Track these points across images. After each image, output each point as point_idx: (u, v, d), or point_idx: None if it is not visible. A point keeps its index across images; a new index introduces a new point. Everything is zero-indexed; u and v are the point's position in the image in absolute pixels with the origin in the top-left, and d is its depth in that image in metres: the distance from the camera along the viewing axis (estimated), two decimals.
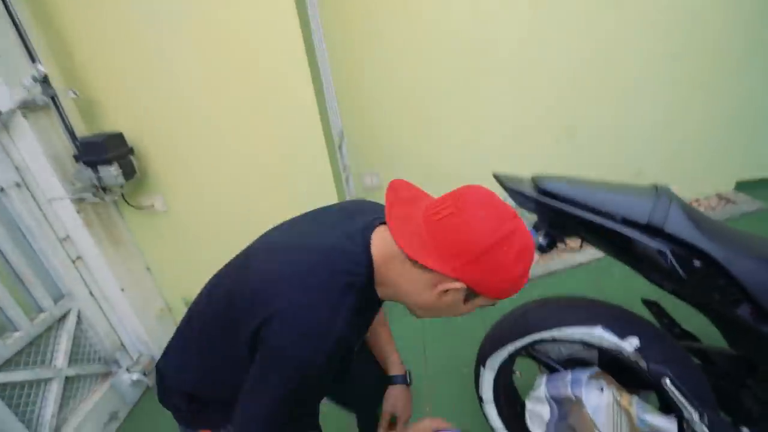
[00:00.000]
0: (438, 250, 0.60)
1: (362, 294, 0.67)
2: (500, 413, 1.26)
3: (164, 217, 1.91)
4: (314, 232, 0.75)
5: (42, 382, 1.60)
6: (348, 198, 2.63)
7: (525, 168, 1.44)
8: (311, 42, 1.78)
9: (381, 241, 0.68)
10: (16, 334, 1.52)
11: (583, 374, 1.06)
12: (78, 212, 1.72)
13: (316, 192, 1.87)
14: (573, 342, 1.07)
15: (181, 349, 0.84)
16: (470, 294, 0.63)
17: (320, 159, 1.82)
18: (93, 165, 1.58)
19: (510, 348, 1.15)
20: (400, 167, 2.78)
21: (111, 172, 1.58)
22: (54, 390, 1.62)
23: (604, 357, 1.12)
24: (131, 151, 1.68)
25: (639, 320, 1.01)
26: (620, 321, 1.00)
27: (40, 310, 1.64)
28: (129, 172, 1.65)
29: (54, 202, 1.68)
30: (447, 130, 2.68)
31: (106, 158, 1.56)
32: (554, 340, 1.08)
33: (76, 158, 1.61)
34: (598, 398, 1.00)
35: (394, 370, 1.11)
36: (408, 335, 2.06)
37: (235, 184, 1.85)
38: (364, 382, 1.09)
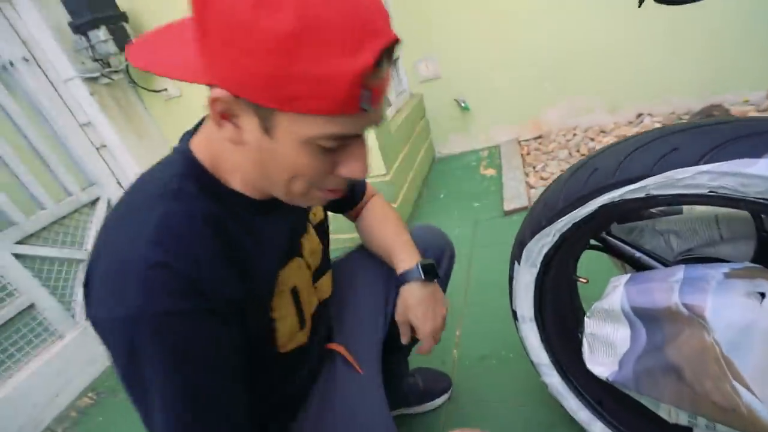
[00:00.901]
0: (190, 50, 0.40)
1: (192, 201, 0.45)
2: (545, 339, 0.78)
3: (179, 102, 1.74)
4: None
5: (73, 262, 1.63)
6: (393, 93, 2.16)
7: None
8: None
9: (202, 132, 0.50)
10: (41, 212, 1.53)
11: (714, 270, 0.51)
12: (92, 95, 1.63)
13: None
14: (696, 206, 0.51)
15: None
16: (247, 107, 0.39)
17: None
18: (82, 31, 1.42)
19: (564, 222, 0.64)
20: (460, 53, 2.18)
21: (99, 37, 1.40)
22: (84, 271, 1.65)
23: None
24: (123, 16, 1.47)
25: None
26: None
27: (68, 193, 1.64)
28: (121, 39, 1.45)
29: (69, 83, 1.61)
30: (511, 7, 2.00)
31: (91, 20, 1.37)
32: (651, 202, 0.54)
33: (70, 27, 1.47)
34: (750, 312, 0.45)
35: (402, 265, 0.72)
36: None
37: None
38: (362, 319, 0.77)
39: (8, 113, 1.46)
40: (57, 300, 1.56)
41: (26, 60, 1.51)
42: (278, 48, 0.34)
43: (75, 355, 1.56)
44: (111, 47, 1.43)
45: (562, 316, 0.77)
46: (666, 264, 0.64)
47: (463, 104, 2.34)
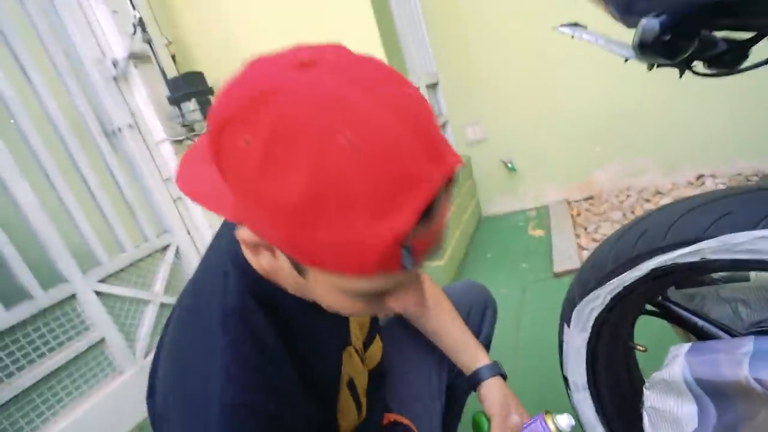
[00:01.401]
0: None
1: (256, 320, 0.43)
2: (600, 411, 0.73)
3: None
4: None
5: (141, 302, 1.78)
6: None
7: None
8: None
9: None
10: (122, 255, 1.72)
11: None
12: (176, 154, 1.88)
13: None
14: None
15: None
16: (287, 258, 0.36)
17: None
18: (177, 103, 1.69)
19: (614, 284, 0.63)
20: (505, 116, 2.28)
21: (189, 108, 1.65)
22: (150, 311, 1.79)
23: None
24: (210, 90, 1.74)
25: None
26: None
27: (145, 239, 1.84)
28: (206, 109, 1.71)
29: (160, 145, 1.88)
30: (555, 71, 2.08)
31: (184, 94, 1.63)
32: (709, 267, 0.53)
33: (168, 99, 1.76)
34: None
35: (479, 361, 0.71)
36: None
37: None
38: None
39: (110, 168, 1.73)
40: (124, 337, 1.69)
41: (131, 126, 1.80)
42: (289, 218, 0.29)
43: (131, 390, 1.65)
44: (197, 116, 1.68)
45: (618, 386, 0.72)
46: (733, 335, 0.60)
47: (509, 165, 2.39)
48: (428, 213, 0.30)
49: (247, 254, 0.43)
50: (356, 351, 0.60)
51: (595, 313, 0.67)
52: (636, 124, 2.05)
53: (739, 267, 0.52)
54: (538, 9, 1.98)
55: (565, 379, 0.76)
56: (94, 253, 1.64)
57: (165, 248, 1.91)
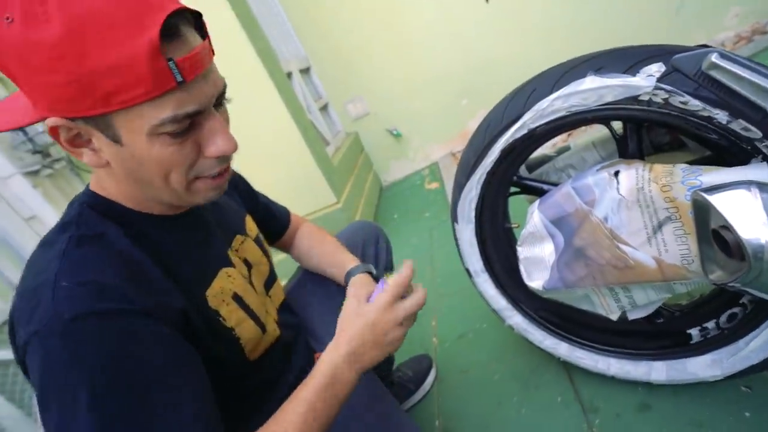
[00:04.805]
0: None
1: (96, 225, 0.46)
2: (498, 285, 0.88)
3: None
4: None
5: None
6: (329, 133, 2.35)
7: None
8: None
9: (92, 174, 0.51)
10: None
11: (590, 170, 0.65)
12: (34, 187, 1.64)
13: (277, 129, 1.61)
14: (554, 126, 0.66)
15: None
16: (86, 125, 0.41)
17: (266, 92, 1.57)
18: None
19: (479, 173, 0.76)
20: (381, 88, 2.44)
21: (37, 129, 1.45)
22: None
23: (627, 143, 0.69)
24: None
25: (650, 48, 0.58)
26: (621, 56, 0.58)
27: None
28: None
29: (8, 181, 1.61)
30: (415, 37, 2.30)
31: None
32: (536, 136, 0.69)
33: None
34: (613, 188, 0.59)
35: (349, 264, 0.75)
36: (415, 253, 1.71)
37: None
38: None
39: None
40: (16, 406, 1.44)
41: None
42: (61, 53, 0.35)
43: None
44: (49, 137, 1.48)
45: (507, 261, 0.88)
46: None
47: (394, 132, 2.57)
48: (175, 32, 0.39)
49: (93, 180, 0.49)
50: (243, 276, 0.62)
51: (473, 204, 0.81)
52: (491, 73, 2.36)
53: (556, 130, 0.68)
54: None
55: (467, 271, 0.90)
56: None
57: None
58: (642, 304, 0.67)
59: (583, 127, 1.82)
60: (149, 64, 0.36)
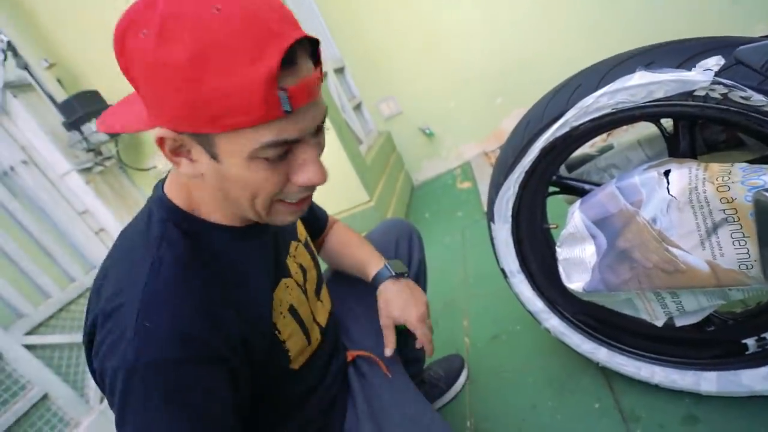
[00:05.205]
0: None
1: (177, 247, 0.48)
2: (535, 287, 0.86)
3: None
4: None
5: (82, 346, 1.65)
6: (362, 132, 2.37)
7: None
8: None
9: (171, 177, 0.53)
10: (49, 301, 1.58)
11: (637, 169, 0.63)
12: (87, 183, 1.75)
13: None
14: (601, 124, 0.64)
15: None
16: (191, 140, 0.43)
17: None
18: (76, 127, 1.58)
19: (517, 172, 0.75)
20: (414, 87, 2.43)
21: (91, 129, 1.55)
22: None
23: (678, 141, 0.66)
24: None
25: (707, 40, 0.55)
26: (674, 50, 0.56)
27: (71, 279, 1.70)
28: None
29: (66, 177, 1.73)
30: (448, 36, 2.28)
31: (82, 115, 1.53)
32: (577, 134, 0.67)
33: (64, 125, 1.63)
34: (662, 188, 0.56)
35: (371, 271, 0.76)
36: (446, 252, 1.70)
37: None
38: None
39: (11, 212, 1.57)
40: (70, 387, 1.55)
41: (25, 163, 1.64)
42: (185, 75, 0.37)
43: None
44: (102, 136, 1.58)
45: (544, 262, 0.86)
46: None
47: (427, 131, 2.55)
48: (292, 60, 0.39)
49: (176, 176, 0.51)
50: (299, 285, 0.63)
51: (510, 203, 0.80)
52: (528, 71, 2.30)
53: (600, 128, 0.66)
54: None
55: (503, 271, 0.89)
56: (14, 306, 1.48)
57: None
58: (691, 310, 0.64)
59: (625, 127, 1.75)
60: (261, 93, 0.37)
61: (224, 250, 0.52)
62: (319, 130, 0.47)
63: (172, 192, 0.51)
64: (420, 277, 0.91)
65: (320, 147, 0.48)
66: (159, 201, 0.51)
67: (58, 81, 1.68)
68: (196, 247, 0.49)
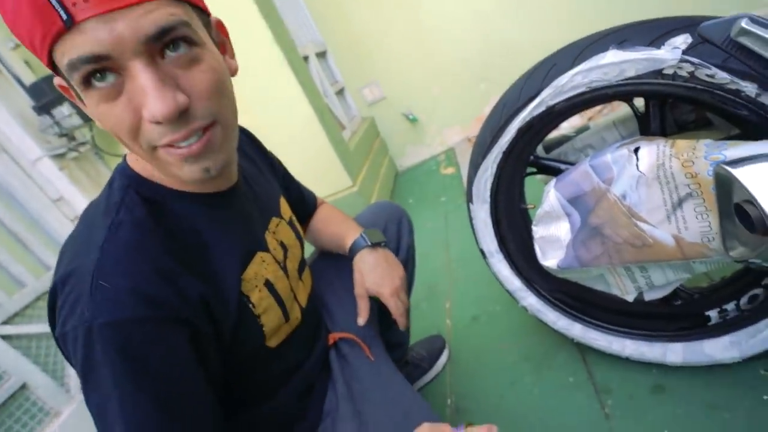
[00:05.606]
0: None
1: (135, 211, 0.47)
2: (513, 266, 0.88)
3: None
4: None
5: None
6: (345, 117, 2.35)
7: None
8: None
9: None
10: (24, 290, 1.54)
11: (609, 147, 0.64)
12: (61, 169, 1.70)
13: (293, 112, 1.62)
14: (574, 104, 0.65)
15: None
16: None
17: (283, 76, 1.57)
18: (47, 111, 1.52)
19: (495, 152, 0.76)
20: (397, 72, 2.41)
21: (64, 113, 1.50)
22: None
23: (649, 121, 0.67)
24: None
25: (677, 19, 0.56)
26: (646, 29, 0.57)
27: (47, 268, 1.65)
28: (84, 112, 1.56)
29: (38, 164, 1.67)
30: (431, 21, 2.26)
31: (53, 98, 1.47)
32: (554, 113, 0.67)
33: (34, 109, 1.57)
34: (632, 165, 0.58)
35: (348, 241, 0.75)
36: (430, 236, 1.72)
37: None
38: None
39: None
40: (50, 376, 1.53)
41: None
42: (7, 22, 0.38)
43: (74, 430, 1.51)
44: (75, 120, 1.53)
45: (522, 241, 0.88)
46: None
47: (410, 117, 2.54)
48: None
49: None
50: (277, 261, 0.62)
51: (489, 184, 0.81)
52: (512, 57, 2.30)
53: (575, 107, 0.67)
54: None
55: (482, 251, 0.90)
56: None
57: None
58: (659, 284, 0.66)
59: (600, 108, 1.77)
60: (30, 4, 0.34)
61: (185, 216, 0.50)
62: (172, 49, 0.39)
63: (132, 159, 0.51)
64: (408, 262, 0.91)
65: (181, 67, 0.40)
66: (121, 169, 0.51)
67: (26, 63, 1.61)
68: (157, 213, 0.48)
